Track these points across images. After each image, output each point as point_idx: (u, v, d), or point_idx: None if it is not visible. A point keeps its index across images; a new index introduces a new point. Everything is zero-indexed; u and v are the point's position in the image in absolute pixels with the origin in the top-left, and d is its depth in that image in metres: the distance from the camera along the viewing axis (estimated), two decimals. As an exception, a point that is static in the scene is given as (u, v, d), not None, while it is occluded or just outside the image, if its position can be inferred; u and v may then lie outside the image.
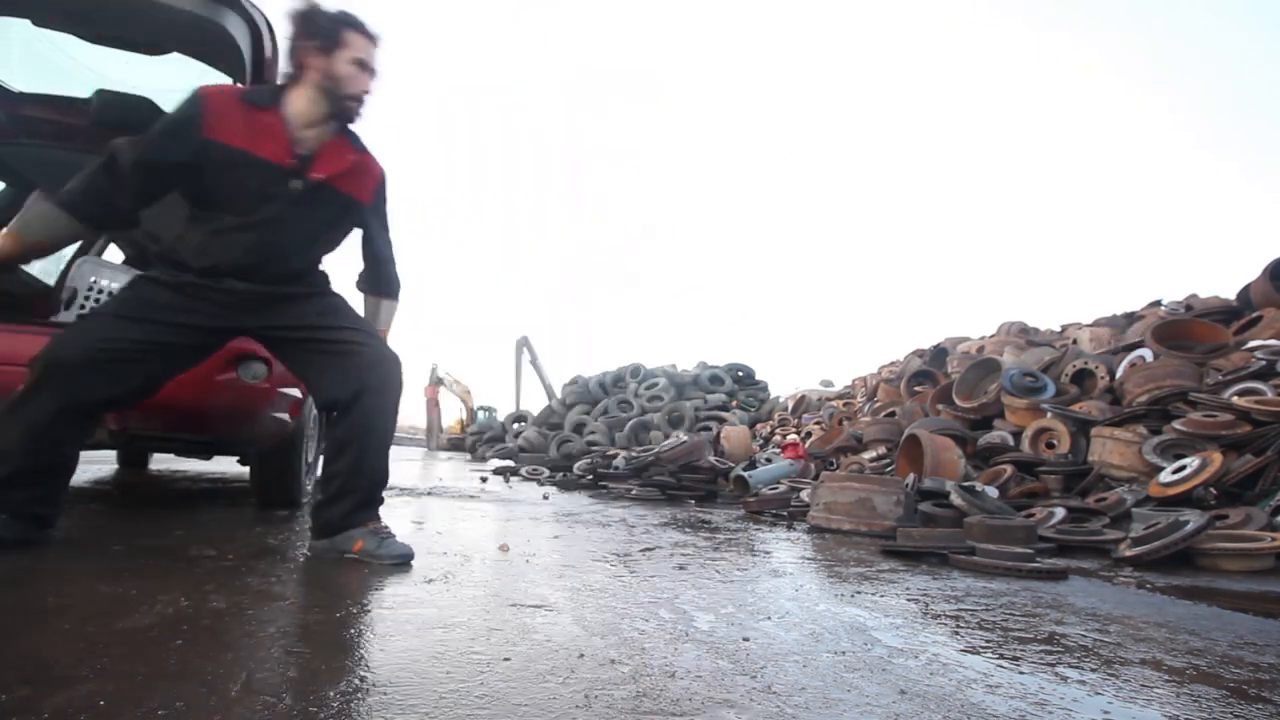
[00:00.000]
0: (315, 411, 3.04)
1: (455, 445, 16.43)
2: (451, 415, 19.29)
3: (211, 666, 1.02)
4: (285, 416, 2.51)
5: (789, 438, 6.33)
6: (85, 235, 1.80)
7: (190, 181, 1.80)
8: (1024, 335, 6.48)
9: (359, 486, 1.89)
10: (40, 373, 1.65)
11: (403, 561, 1.87)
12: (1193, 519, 2.63)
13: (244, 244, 1.80)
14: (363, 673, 1.04)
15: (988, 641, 1.46)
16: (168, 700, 0.89)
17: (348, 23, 1.79)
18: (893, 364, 7.86)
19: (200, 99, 1.75)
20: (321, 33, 1.77)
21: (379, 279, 2.15)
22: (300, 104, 1.80)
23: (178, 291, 1.79)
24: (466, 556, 2.08)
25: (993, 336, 6.76)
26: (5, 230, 1.75)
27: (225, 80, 2.66)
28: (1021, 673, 1.25)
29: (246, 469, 2.97)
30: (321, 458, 2.02)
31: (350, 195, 1.93)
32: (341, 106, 1.82)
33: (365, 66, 1.82)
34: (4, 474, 1.66)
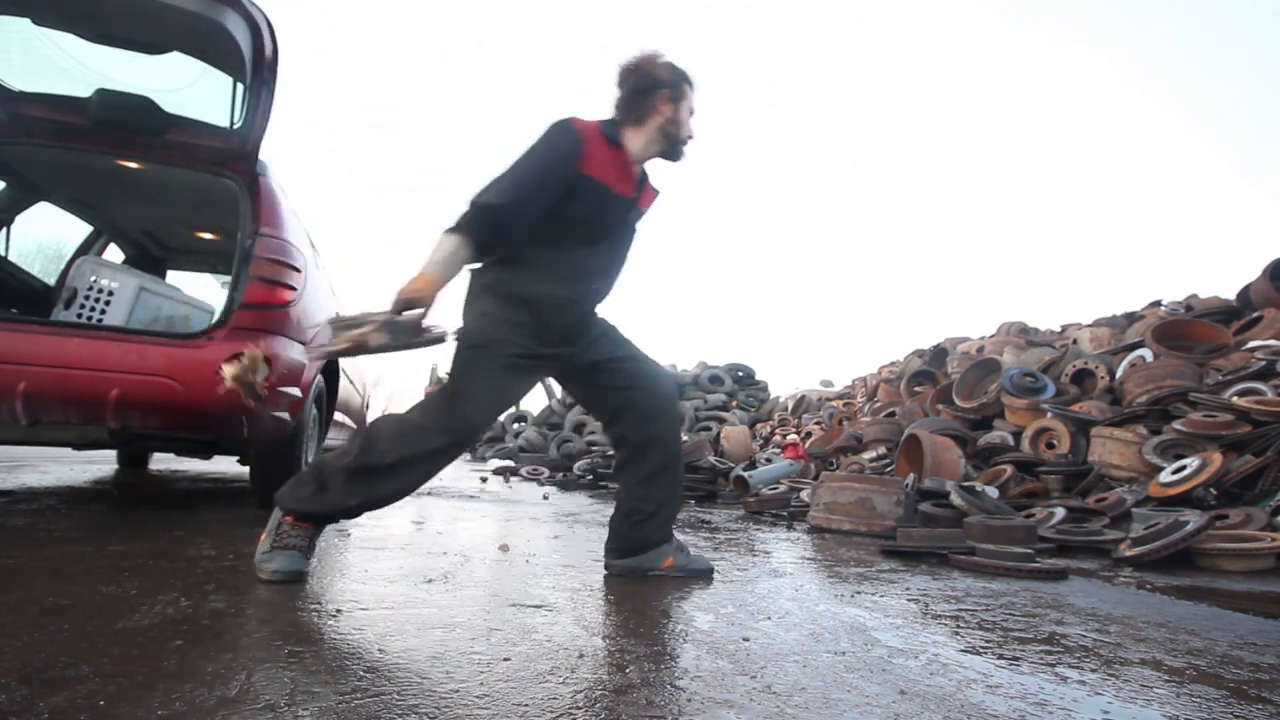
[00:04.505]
0: (315, 411, 3.04)
1: (455, 445, 16.39)
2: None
3: (211, 666, 1.02)
4: (285, 416, 2.51)
5: (789, 438, 6.33)
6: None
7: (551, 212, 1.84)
8: (1024, 335, 6.49)
9: (670, 511, 2.06)
10: (456, 441, 1.79)
11: (709, 575, 2.03)
12: (1193, 519, 2.63)
13: (597, 270, 1.92)
14: (363, 673, 1.04)
15: (988, 642, 1.46)
16: (168, 700, 0.89)
17: (689, 77, 1.96)
18: (893, 364, 7.86)
19: (577, 132, 1.83)
20: (672, 83, 1.91)
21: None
22: (638, 143, 1.92)
23: (537, 325, 1.83)
24: (466, 556, 2.09)
25: (993, 336, 6.76)
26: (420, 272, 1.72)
27: (225, 79, 2.66)
28: (1021, 673, 1.25)
29: (246, 469, 2.97)
30: (623, 485, 2.08)
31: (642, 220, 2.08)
32: (675, 149, 1.97)
33: (693, 115, 1.99)
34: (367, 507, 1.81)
